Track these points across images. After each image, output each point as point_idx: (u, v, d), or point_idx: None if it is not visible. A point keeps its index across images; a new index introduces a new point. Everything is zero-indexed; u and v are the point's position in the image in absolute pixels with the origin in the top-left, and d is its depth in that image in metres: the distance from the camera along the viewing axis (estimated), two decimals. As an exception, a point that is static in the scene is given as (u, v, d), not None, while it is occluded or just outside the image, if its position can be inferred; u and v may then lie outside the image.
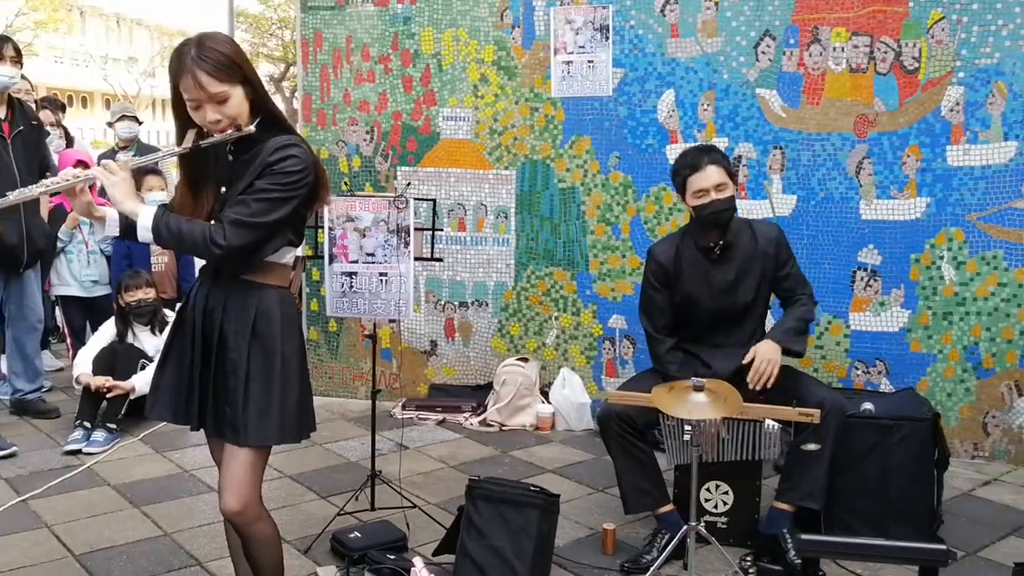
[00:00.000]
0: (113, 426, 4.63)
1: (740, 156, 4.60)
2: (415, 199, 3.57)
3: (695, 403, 2.79)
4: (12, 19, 28.74)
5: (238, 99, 2.28)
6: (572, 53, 4.85)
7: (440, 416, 5.03)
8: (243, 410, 2.32)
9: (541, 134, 4.97)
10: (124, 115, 6.30)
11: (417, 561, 3.12)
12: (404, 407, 5.13)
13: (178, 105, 2.32)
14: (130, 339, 5.03)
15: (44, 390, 5.33)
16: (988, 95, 4.24)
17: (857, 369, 4.53)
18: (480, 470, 4.14)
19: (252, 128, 2.30)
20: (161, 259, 5.61)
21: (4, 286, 4.88)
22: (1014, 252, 4.27)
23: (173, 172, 7.19)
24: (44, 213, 5.14)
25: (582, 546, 3.44)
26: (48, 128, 5.82)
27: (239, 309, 2.35)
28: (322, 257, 3.61)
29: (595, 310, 4.98)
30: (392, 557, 3.18)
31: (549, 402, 4.95)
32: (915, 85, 4.34)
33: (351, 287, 3.54)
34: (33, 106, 5.52)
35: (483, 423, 4.94)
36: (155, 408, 2.47)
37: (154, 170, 5.51)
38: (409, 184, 4.97)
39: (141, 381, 4.73)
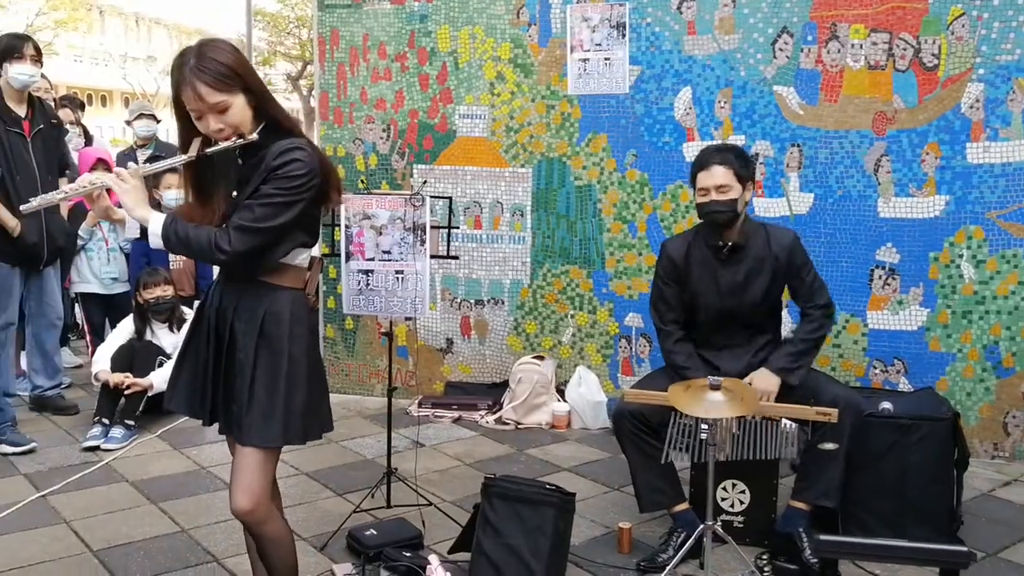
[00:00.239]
0: (131, 423, 4.66)
1: (757, 154, 4.57)
2: (431, 197, 3.57)
3: (712, 402, 2.78)
4: (33, 18, 28.96)
5: (239, 107, 2.28)
6: (589, 50, 4.83)
7: (456, 414, 5.04)
8: (248, 410, 2.33)
9: (557, 132, 4.96)
10: (142, 113, 6.34)
11: (433, 559, 3.13)
12: (420, 405, 5.14)
13: (181, 113, 2.34)
14: (148, 336, 5.07)
15: (63, 386, 5.37)
16: (1009, 92, 4.20)
17: (875, 368, 4.50)
18: (496, 468, 4.14)
19: (255, 136, 2.31)
20: (179, 257, 5.64)
21: (24, 283, 4.91)
22: (1035, 250, 4.24)
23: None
24: (64, 211, 5.18)
25: (598, 545, 3.43)
26: (68, 126, 5.86)
27: (249, 309, 2.37)
28: (339, 255, 3.62)
29: (611, 308, 4.97)
30: (408, 555, 3.18)
31: (565, 400, 4.95)
32: (934, 82, 4.31)
33: (367, 285, 3.54)
34: (53, 105, 5.55)
35: (499, 421, 4.94)
36: (173, 401, 2.51)
37: (170, 147, 5.53)
38: (425, 182, 4.97)
39: (159, 378, 4.76)
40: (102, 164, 5.58)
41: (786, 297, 3.54)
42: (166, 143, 6.90)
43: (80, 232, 5.55)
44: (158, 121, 6.58)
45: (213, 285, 2.51)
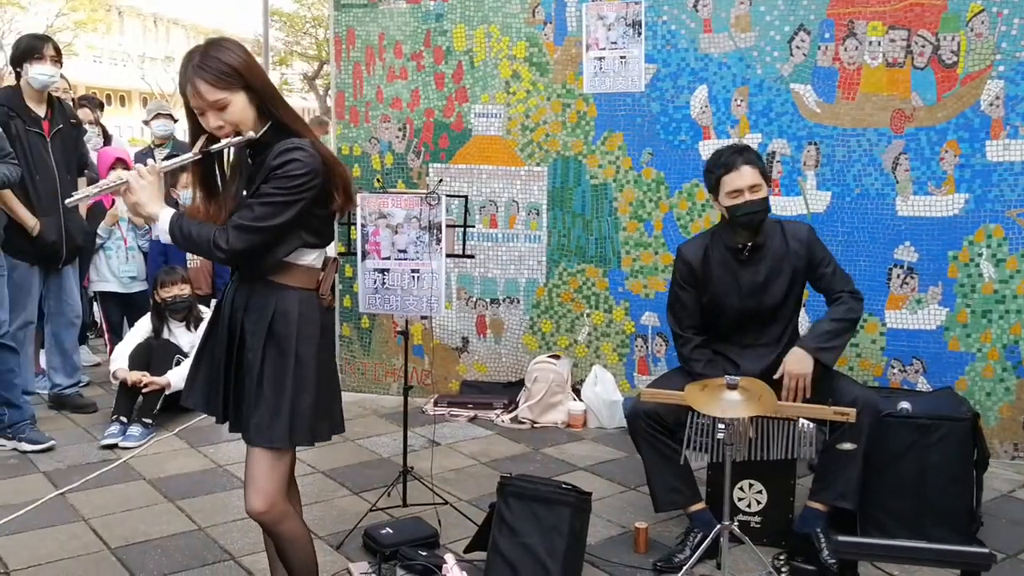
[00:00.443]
0: (149, 421, 4.68)
1: (774, 152, 4.55)
2: (447, 196, 3.57)
3: (729, 401, 2.77)
4: (52, 19, 29.20)
5: (239, 105, 2.29)
6: (604, 49, 4.82)
7: (472, 413, 5.04)
8: (255, 410, 2.34)
9: (573, 130, 4.95)
10: (159, 113, 6.37)
11: (449, 558, 3.13)
12: (436, 403, 5.14)
13: (191, 111, 2.37)
14: (166, 335, 5.09)
15: (82, 385, 5.40)
16: (1029, 89, 4.16)
17: (893, 368, 4.47)
18: (511, 467, 4.14)
19: (252, 133, 2.32)
20: (197, 256, 5.67)
21: (43, 282, 4.95)
22: (1056, 249, 4.19)
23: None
24: (83, 210, 5.22)
25: (614, 544, 3.42)
26: (86, 126, 5.91)
27: (259, 309, 2.37)
28: (355, 253, 3.63)
29: (627, 307, 4.96)
30: (424, 554, 3.19)
31: (581, 399, 4.94)
32: (953, 79, 4.27)
33: (383, 283, 3.55)
34: (72, 104, 5.59)
35: (514, 420, 4.94)
36: (191, 398, 2.53)
37: (185, 169, 5.56)
38: (441, 181, 4.99)
39: (176, 376, 4.78)
40: (121, 163, 5.61)
41: (804, 296, 3.52)
42: (183, 142, 6.91)
43: (99, 231, 5.59)
44: (175, 121, 6.61)
45: (229, 286, 2.52)
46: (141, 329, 5.13)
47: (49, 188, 4.79)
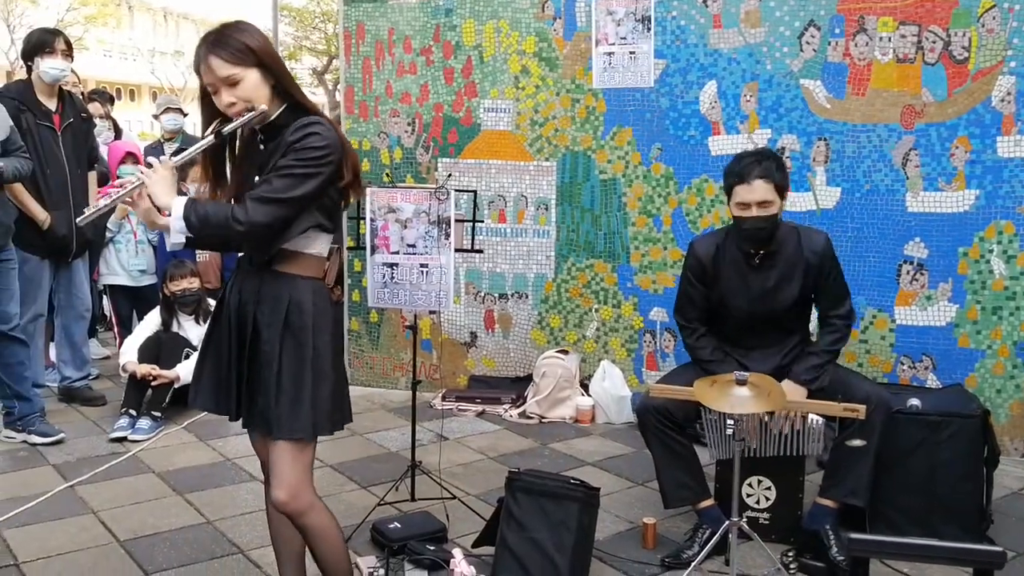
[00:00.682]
0: (158, 414, 4.70)
1: (783, 148, 4.54)
2: (456, 190, 3.57)
3: (738, 397, 2.76)
4: (63, 14, 29.27)
5: (252, 82, 2.28)
6: (613, 44, 4.81)
7: (480, 407, 5.04)
8: (276, 403, 2.32)
9: (582, 125, 4.94)
10: (169, 107, 6.39)
11: (457, 552, 3.13)
12: (444, 398, 5.14)
13: (206, 100, 2.36)
14: (175, 328, 5.11)
15: (91, 378, 5.43)
16: (1042, 85, 4.14)
17: (903, 364, 4.45)
18: (520, 462, 4.14)
19: (264, 107, 2.30)
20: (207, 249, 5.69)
21: (54, 275, 4.97)
22: (1067, 246, 4.17)
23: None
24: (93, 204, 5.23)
25: (622, 540, 3.42)
26: (97, 120, 5.92)
27: (272, 301, 2.35)
28: (364, 248, 3.63)
29: (636, 302, 4.95)
30: (432, 548, 3.19)
31: (589, 395, 4.94)
32: (964, 75, 4.25)
33: (392, 278, 3.55)
34: (82, 98, 5.61)
35: (522, 415, 4.94)
36: (198, 398, 2.48)
37: (195, 162, 5.56)
38: (450, 175, 4.99)
39: (185, 370, 4.80)
40: (131, 157, 5.63)
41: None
42: (193, 136, 6.94)
43: (108, 225, 5.61)
44: (185, 115, 6.63)
45: (231, 279, 2.48)
46: (150, 322, 5.15)
47: (60, 182, 4.80)
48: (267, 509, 2.63)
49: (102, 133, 6.26)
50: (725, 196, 3.38)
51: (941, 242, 4.34)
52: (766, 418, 2.98)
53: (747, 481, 3.38)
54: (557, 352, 5.00)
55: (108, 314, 6.33)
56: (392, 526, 3.32)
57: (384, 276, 3.56)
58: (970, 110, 4.25)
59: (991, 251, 4.27)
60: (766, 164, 3.23)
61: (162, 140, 6.47)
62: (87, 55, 28.95)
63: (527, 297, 5.17)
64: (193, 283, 5.11)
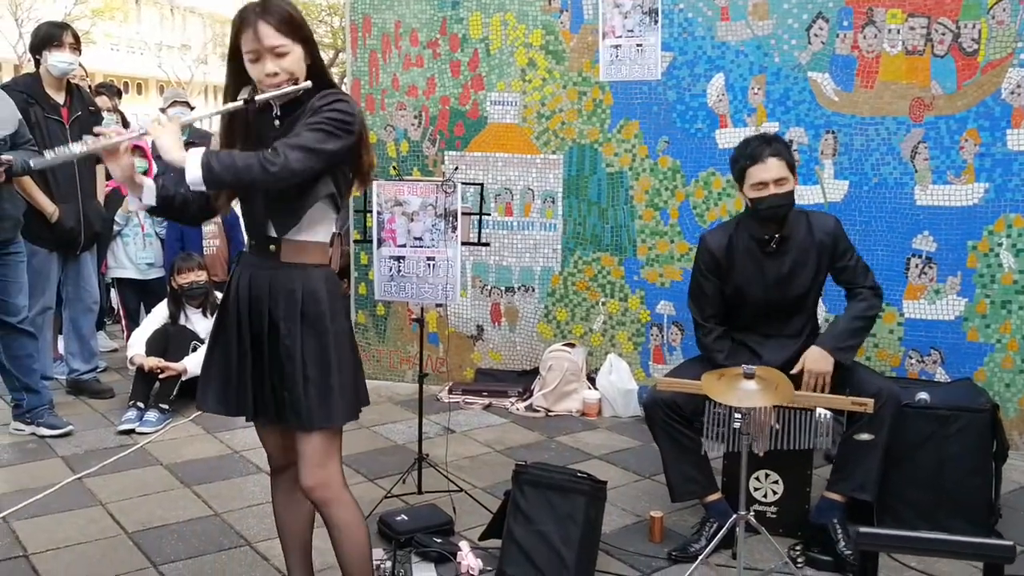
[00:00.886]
0: (165, 406, 4.71)
1: (791, 141, 4.52)
2: (462, 183, 3.56)
3: (745, 391, 2.75)
4: (71, 7, 29.30)
5: (297, 56, 2.28)
6: (621, 37, 4.80)
7: (486, 400, 5.04)
8: (304, 394, 2.30)
9: (589, 118, 4.93)
10: (176, 101, 6.40)
11: (463, 545, 3.14)
12: (451, 391, 5.15)
13: (234, 64, 2.33)
14: (182, 321, 5.12)
15: (99, 370, 5.45)
16: (1052, 77, 4.12)
17: (911, 358, 4.44)
18: (526, 455, 4.14)
19: (309, 84, 2.30)
20: (213, 242, 5.70)
21: (62, 268, 4.99)
22: (1077, 239, 4.15)
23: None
24: (101, 197, 5.24)
25: (629, 533, 3.42)
26: (105, 114, 5.92)
27: (285, 293, 2.32)
28: (371, 241, 3.63)
29: (643, 296, 4.94)
30: (439, 541, 3.20)
31: (596, 388, 4.94)
32: (974, 67, 4.23)
33: (399, 271, 3.55)
34: (90, 92, 5.61)
35: (529, 408, 4.94)
36: (206, 401, 2.44)
37: (203, 134, 5.55)
38: (456, 168, 4.97)
39: (192, 363, 4.81)
40: (138, 151, 5.63)
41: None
42: (199, 130, 6.95)
43: (116, 218, 5.61)
44: (192, 108, 6.64)
45: (235, 275, 2.43)
46: (158, 315, 5.16)
47: (68, 175, 4.81)
48: (273, 501, 2.63)
49: (110, 126, 6.24)
50: (736, 183, 3.37)
51: (950, 236, 4.32)
52: (776, 425, 2.96)
53: (754, 475, 3.37)
54: (564, 345, 5.00)
55: (116, 307, 6.35)
56: (399, 519, 3.32)
57: (391, 269, 3.55)
58: (979, 103, 4.23)
59: (1000, 245, 4.25)
60: (775, 144, 3.27)
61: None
62: (94, 49, 28.98)
63: (534, 290, 5.17)
64: (201, 276, 5.12)
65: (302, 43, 2.29)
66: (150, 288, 5.79)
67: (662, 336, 4.93)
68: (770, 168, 3.22)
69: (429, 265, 3.53)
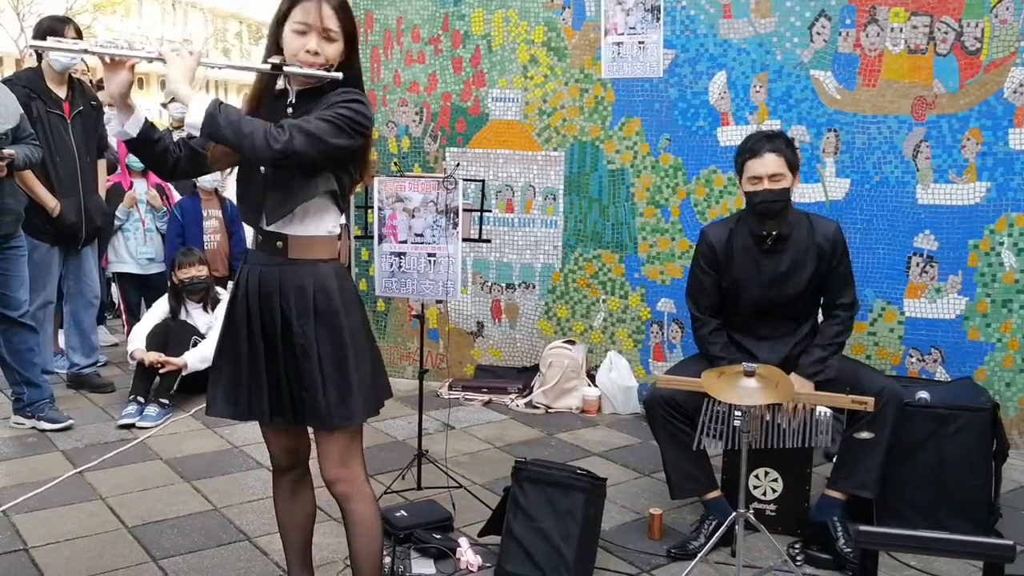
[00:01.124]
0: (165, 401, 4.72)
1: (793, 139, 4.49)
2: (464, 180, 3.56)
3: (746, 388, 2.75)
4: (72, 2, 29.27)
5: (339, 47, 2.27)
6: (623, 34, 4.79)
7: (486, 397, 5.05)
8: (323, 394, 2.26)
9: (590, 115, 4.93)
10: (178, 96, 6.37)
11: (463, 541, 3.14)
12: (451, 387, 5.15)
13: (277, 31, 2.28)
14: (183, 316, 5.12)
15: (100, 365, 5.45)
16: (1054, 76, 4.11)
17: (911, 357, 4.44)
18: (526, 452, 4.14)
19: (340, 76, 2.27)
20: (214, 237, 5.70)
21: (63, 263, 4.99)
22: (1078, 239, 4.15)
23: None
24: (102, 191, 5.25)
25: (629, 530, 3.43)
26: (106, 108, 5.91)
27: (296, 291, 2.28)
28: (372, 237, 3.63)
29: (643, 293, 4.94)
30: (438, 537, 3.20)
31: (596, 385, 4.94)
32: (977, 66, 4.22)
33: (400, 267, 3.55)
34: (91, 86, 5.61)
35: (529, 405, 4.94)
36: (215, 405, 2.39)
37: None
38: (458, 165, 4.97)
39: (193, 358, 4.82)
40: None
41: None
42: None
43: (117, 213, 5.62)
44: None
45: (243, 275, 2.37)
46: (158, 310, 5.16)
47: (69, 169, 4.81)
48: (275, 501, 2.60)
49: (111, 121, 6.25)
50: (737, 179, 3.38)
51: (951, 234, 4.32)
52: (767, 416, 2.96)
53: (754, 473, 3.37)
54: (564, 342, 5.00)
55: (116, 302, 6.35)
56: (398, 514, 3.32)
57: (392, 265, 3.55)
58: (982, 101, 4.23)
59: (1002, 244, 4.25)
60: (776, 141, 3.26)
61: (170, 128, 6.47)
62: (96, 43, 28.93)
63: (534, 287, 5.17)
64: (201, 271, 5.12)
65: (347, 37, 2.29)
66: (151, 283, 5.79)
67: (662, 333, 4.93)
68: (767, 163, 3.22)
69: (430, 261, 3.53)
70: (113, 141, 5.88)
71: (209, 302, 5.16)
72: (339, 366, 2.29)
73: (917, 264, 4.40)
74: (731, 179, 4.62)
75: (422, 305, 3.88)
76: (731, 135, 4.63)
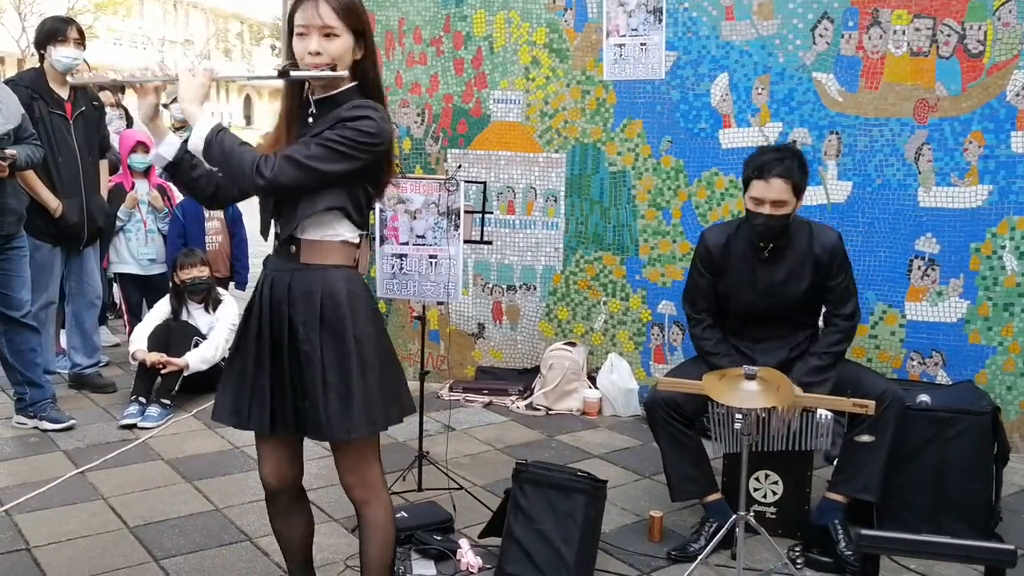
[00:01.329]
0: (167, 401, 4.72)
1: (795, 141, 4.51)
2: (465, 182, 3.56)
3: (746, 391, 2.75)
4: (74, 2, 29.31)
5: (345, 44, 2.21)
6: (624, 36, 4.79)
7: (487, 399, 5.05)
8: (324, 403, 2.21)
9: (592, 117, 4.93)
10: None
11: (463, 543, 3.14)
12: (451, 389, 5.15)
13: (290, 42, 2.26)
14: (184, 316, 5.12)
15: (101, 365, 5.45)
16: (1056, 80, 4.11)
17: (912, 360, 4.44)
18: (526, 454, 4.14)
19: (346, 73, 2.22)
20: (215, 238, 5.70)
21: (65, 263, 4.99)
22: (1080, 242, 4.15)
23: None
24: (104, 192, 5.25)
25: (629, 532, 3.43)
26: (108, 109, 5.93)
27: (304, 297, 2.24)
28: (373, 238, 3.63)
29: (644, 295, 4.94)
30: (438, 538, 3.20)
31: (596, 387, 4.94)
32: (979, 69, 4.22)
33: (401, 269, 3.55)
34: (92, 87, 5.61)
35: (529, 407, 4.94)
36: (219, 412, 2.37)
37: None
38: (460, 166, 4.98)
39: (194, 358, 4.82)
40: (142, 146, 5.63)
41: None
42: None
43: (119, 214, 5.61)
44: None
45: (260, 281, 2.34)
46: (160, 311, 5.16)
47: (71, 170, 4.82)
48: (271, 521, 2.56)
49: (113, 122, 6.26)
50: (742, 185, 3.36)
51: (953, 238, 4.32)
52: (763, 414, 2.96)
53: (754, 475, 3.37)
54: (565, 344, 5.00)
55: (118, 302, 6.35)
56: (399, 516, 3.31)
57: (393, 267, 3.56)
58: (984, 104, 4.23)
59: (1003, 247, 4.25)
60: (788, 163, 3.18)
61: (172, 128, 6.47)
62: (97, 43, 29.00)
63: (535, 289, 5.17)
64: (203, 271, 5.12)
65: (354, 33, 2.23)
66: (152, 284, 5.78)
67: (663, 336, 4.94)
68: (772, 188, 3.16)
69: (431, 263, 3.53)
70: (115, 141, 5.89)
71: (211, 303, 5.16)
72: (342, 374, 2.23)
73: (919, 267, 4.40)
74: (732, 181, 4.62)
75: (423, 306, 3.88)
76: (733, 137, 4.64)
